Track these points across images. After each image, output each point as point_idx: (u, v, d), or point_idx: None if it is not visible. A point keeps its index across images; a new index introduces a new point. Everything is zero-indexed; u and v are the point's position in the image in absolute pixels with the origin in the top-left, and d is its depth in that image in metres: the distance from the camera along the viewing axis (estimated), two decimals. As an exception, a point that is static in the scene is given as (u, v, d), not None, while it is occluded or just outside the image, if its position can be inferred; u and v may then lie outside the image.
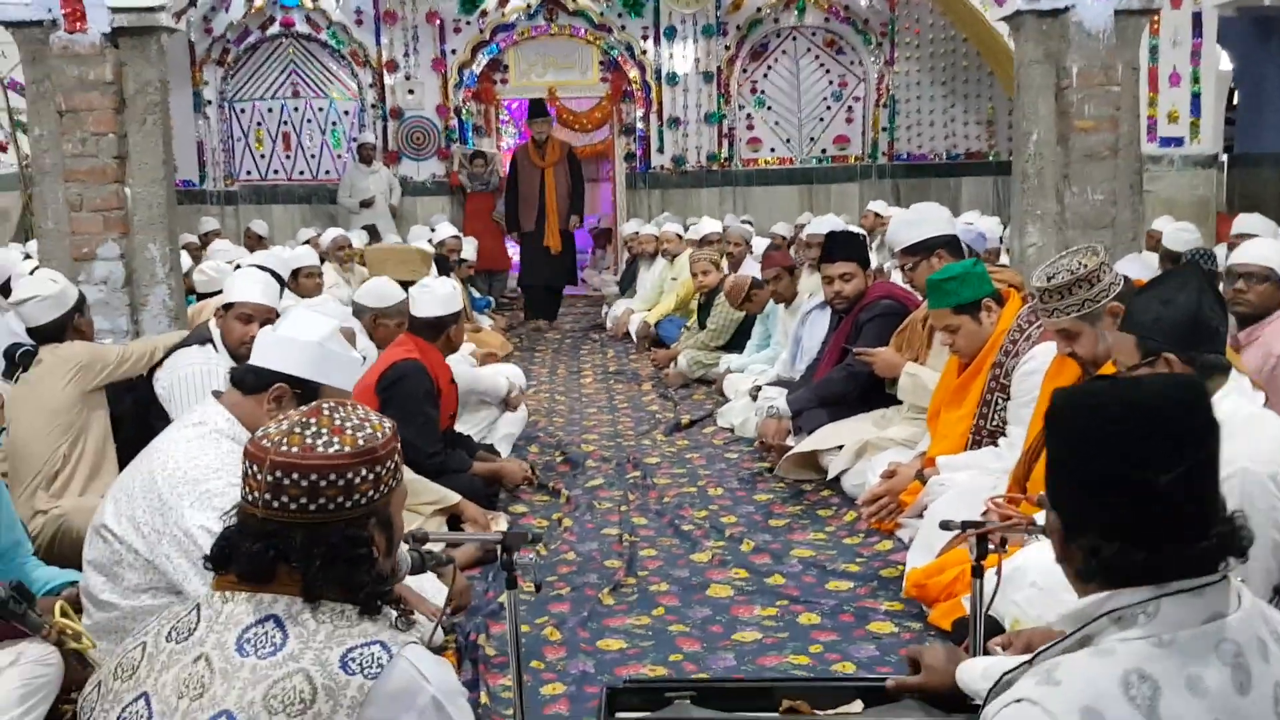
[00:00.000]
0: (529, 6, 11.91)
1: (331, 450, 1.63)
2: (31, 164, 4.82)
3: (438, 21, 11.83)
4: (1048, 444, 1.56)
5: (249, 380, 2.67)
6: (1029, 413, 3.52)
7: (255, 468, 1.63)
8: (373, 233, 10.33)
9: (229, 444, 2.61)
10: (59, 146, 4.62)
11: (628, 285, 10.52)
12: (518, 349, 8.78)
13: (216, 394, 2.77)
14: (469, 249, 9.61)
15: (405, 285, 5.54)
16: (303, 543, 1.61)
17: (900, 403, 4.64)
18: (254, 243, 10.40)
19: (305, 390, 2.62)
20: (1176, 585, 1.40)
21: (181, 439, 2.66)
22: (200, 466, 2.56)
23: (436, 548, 2.52)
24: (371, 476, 1.66)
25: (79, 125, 4.58)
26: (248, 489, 1.65)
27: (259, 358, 2.68)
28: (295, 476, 1.61)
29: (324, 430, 1.66)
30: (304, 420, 1.68)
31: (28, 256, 6.24)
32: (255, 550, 1.61)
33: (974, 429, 3.84)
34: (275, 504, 1.61)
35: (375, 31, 11.81)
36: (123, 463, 3.91)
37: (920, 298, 4.69)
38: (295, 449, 1.63)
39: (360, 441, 1.66)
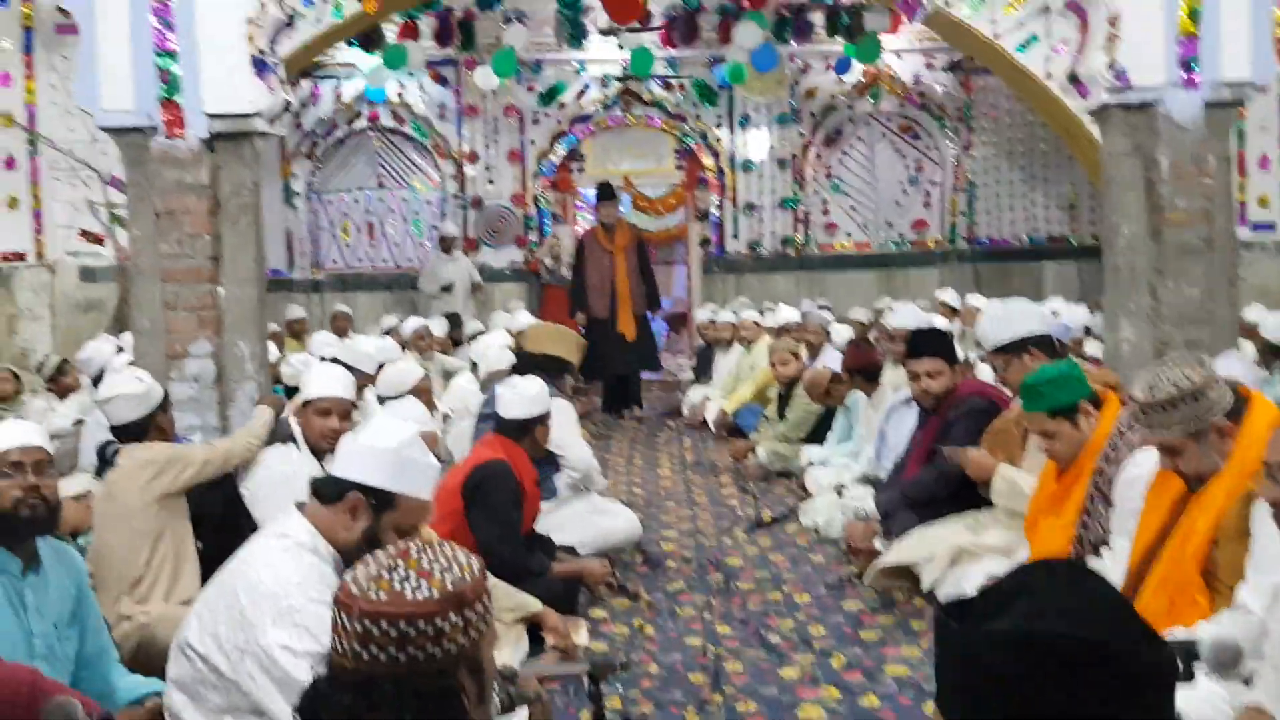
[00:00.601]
0: (606, 98, 12.14)
1: (420, 596, 1.59)
2: (130, 260, 4.94)
3: (517, 114, 12.08)
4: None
5: (328, 491, 2.65)
6: (1134, 524, 3.37)
7: (344, 616, 1.60)
8: (454, 320, 10.42)
9: (311, 557, 2.59)
10: (156, 247, 4.73)
11: (703, 371, 10.45)
12: (593, 436, 8.75)
13: (300, 505, 2.76)
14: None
15: (554, 361, 5.61)
16: (392, 694, 1.56)
17: (993, 503, 4.50)
18: (343, 323, 10.59)
19: (380, 500, 2.59)
20: None
21: (264, 552, 2.64)
22: (282, 581, 2.53)
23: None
24: (461, 622, 1.61)
25: (176, 227, 4.69)
26: (337, 638, 1.61)
27: (338, 467, 2.67)
28: (384, 625, 1.57)
29: (411, 574, 1.62)
30: (391, 563, 1.64)
31: (120, 350, 6.39)
32: (346, 703, 1.56)
33: (1076, 539, 3.68)
34: (365, 654, 1.57)
35: (457, 124, 12.09)
36: (207, 566, 3.93)
37: (1012, 396, 4.57)
38: (383, 595, 1.59)
39: (449, 585, 1.62)
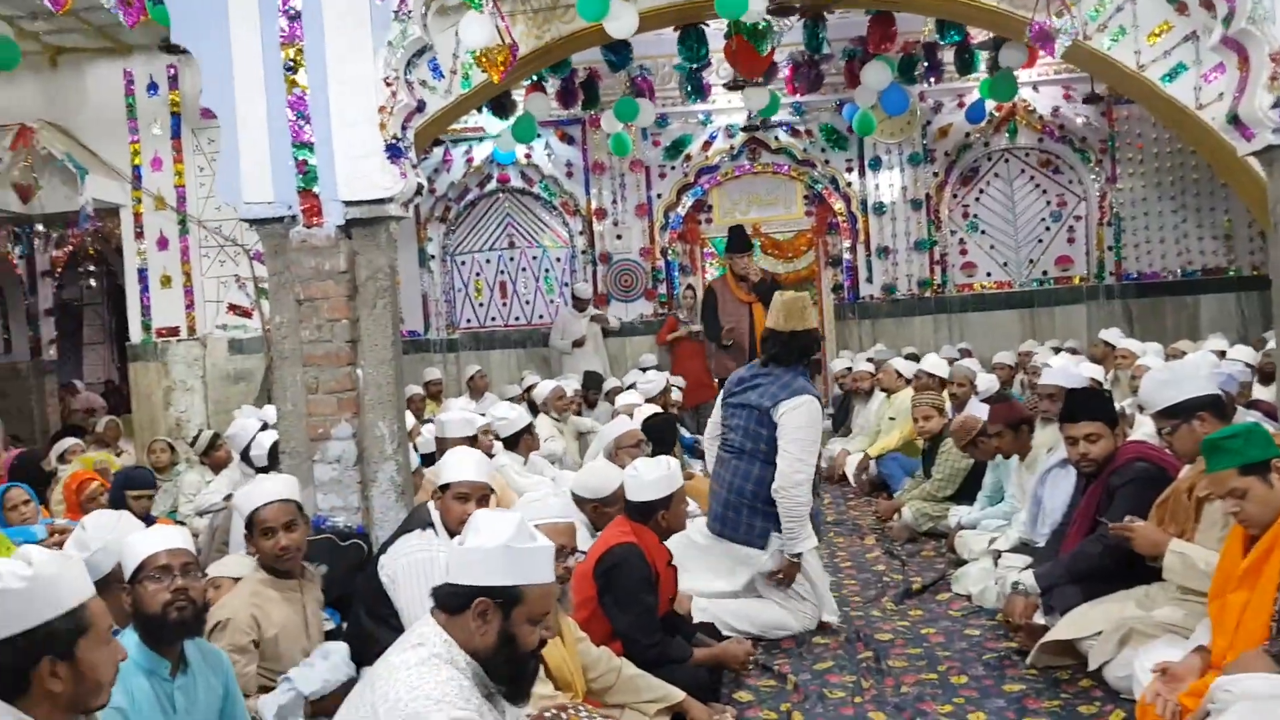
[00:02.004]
0: (732, 148, 12.09)
1: None
2: (274, 343, 5.04)
3: (643, 169, 12.12)
4: None
5: (450, 601, 2.59)
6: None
7: None
8: (591, 379, 10.41)
9: (449, 670, 2.52)
10: (298, 332, 4.81)
11: (840, 423, 10.21)
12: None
13: (433, 610, 2.70)
14: (674, 391, 9.55)
15: (814, 333, 5.24)
16: None
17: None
18: (480, 382, 10.72)
19: (506, 597, 2.53)
20: None
21: (401, 665, 2.58)
22: (420, 698, 2.47)
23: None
24: None
25: (315, 313, 4.76)
26: None
27: (454, 575, 2.61)
28: None
29: None
30: None
31: (265, 425, 6.53)
32: None
33: (1275, 617, 3.35)
34: None
35: (585, 182, 12.19)
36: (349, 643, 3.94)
37: (1179, 461, 4.28)
38: None
39: None
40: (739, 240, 9.48)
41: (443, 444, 5.47)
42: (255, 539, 3.76)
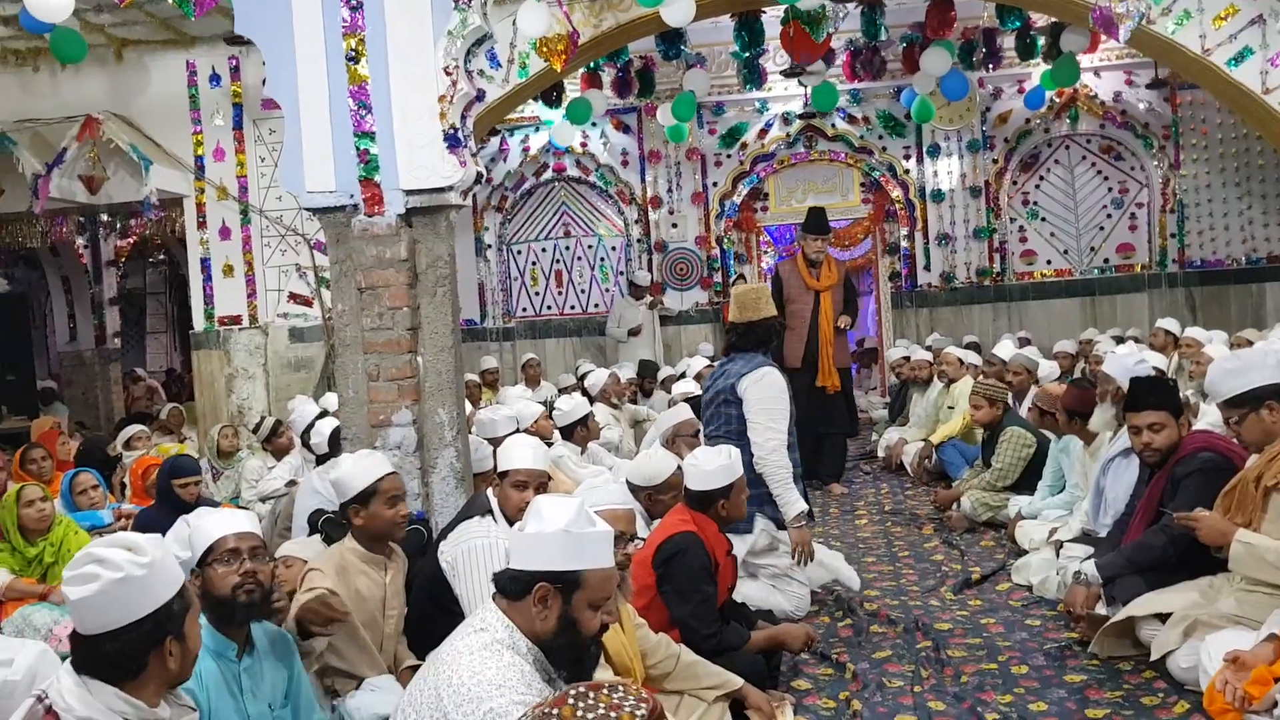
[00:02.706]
0: (788, 136, 12.03)
1: None
2: (335, 331, 5.11)
3: (699, 157, 12.10)
4: None
5: (511, 587, 2.62)
6: None
7: None
8: (647, 367, 10.44)
9: (510, 655, 2.55)
10: (359, 320, 4.87)
11: (897, 412, 10.14)
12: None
13: (494, 596, 2.73)
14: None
15: (776, 321, 5.56)
16: None
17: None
18: (534, 371, 10.79)
19: (566, 582, 2.56)
20: None
21: (465, 650, 2.61)
22: (483, 683, 2.49)
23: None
24: None
25: (376, 301, 4.82)
26: None
27: (515, 560, 2.64)
28: None
29: None
30: (545, 713, 1.58)
31: (324, 413, 6.61)
32: None
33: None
34: None
35: (640, 170, 12.20)
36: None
37: (1246, 450, 4.20)
38: None
39: None
40: (816, 221, 8.62)
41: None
42: (375, 507, 3.83)
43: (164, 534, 3.69)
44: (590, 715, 1.60)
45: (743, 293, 5.77)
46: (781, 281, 8.53)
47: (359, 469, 3.92)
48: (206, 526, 3.09)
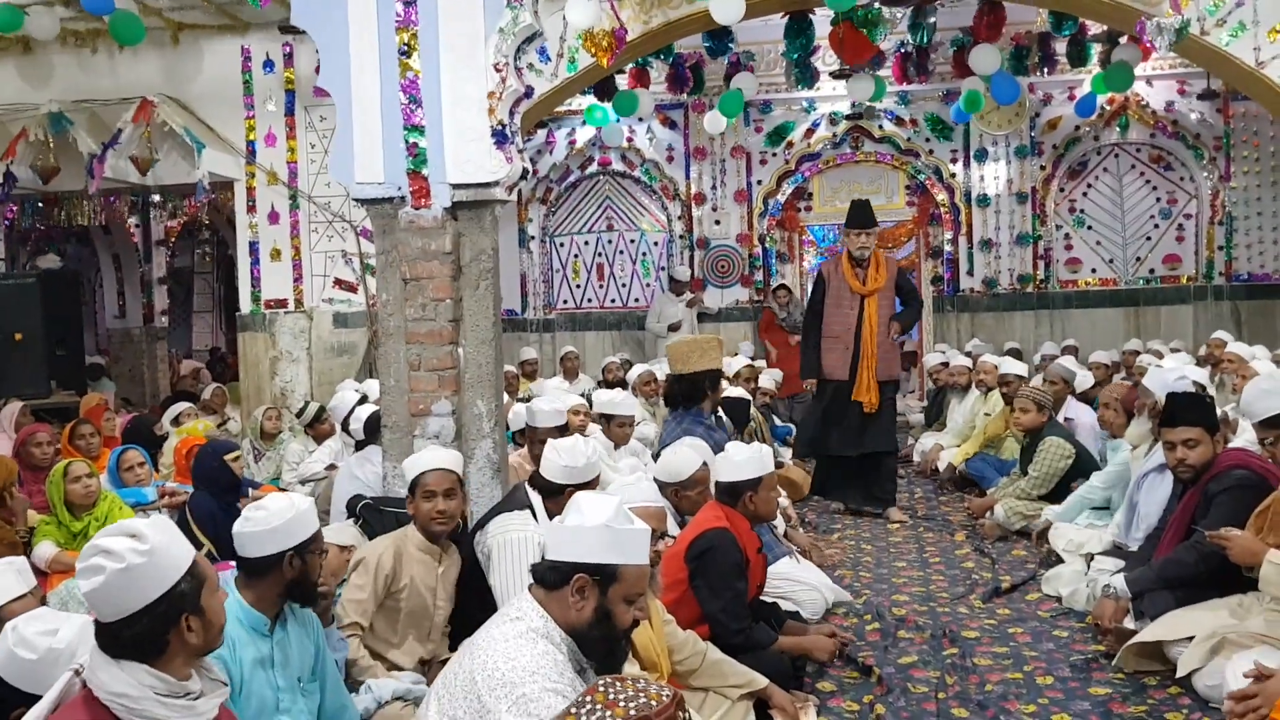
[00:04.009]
0: (834, 136, 12.02)
1: None
2: (378, 320, 5.20)
3: (744, 155, 12.12)
4: None
5: (550, 577, 2.69)
6: None
7: None
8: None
9: (544, 644, 2.62)
10: (403, 310, 4.95)
11: (934, 417, 10.11)
12: (822, 485, 8.58)
13: (531, 586, 2.80)
14: (766, 379, 9.51)
15: (709, 376, 5.56)
16: None
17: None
18: (572, 363, 10.88)
19: (604, 575, 2.63)
20: None
21: (500, 637, 2.68)
22: (518, 669, 2.57)
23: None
24: None
25: (420, 292, 4.90)
26: None
27: (554, 551, 2.70)
28: None
29: (598, 706, 1.65)
30: (580, 699, 1.66)
31: (364, 399, 6.71)
32: None
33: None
34: None
35: (685, 167, 12.24)
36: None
37: (1283, 471, 4.19)
38: None
39: (632, 711, 1.63)
40: (860, 214, 7.44)
41: (534, 432, 5.64)
42: (415, 500, 4.00)
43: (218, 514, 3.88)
44: (621, 696, 1.69)
45: (671, 348, 5.86)
46: (824, 283, 7.53)
47: (416, 461, 4.08)
48: (308, 516, 3.17)
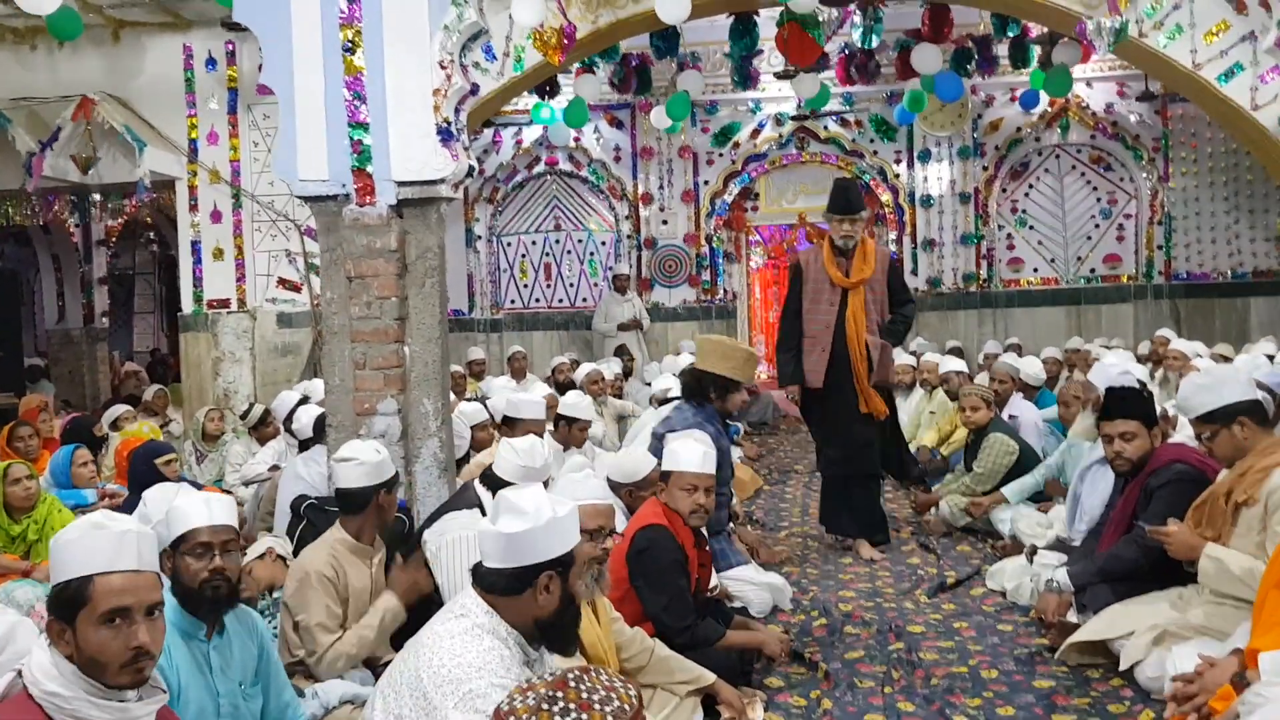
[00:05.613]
0: (780, 137, 12.10)
1: None
2: (322, 319, 5.15)
3: (691, 155, 12.16)
4: None
5: (512, 585, 2.66)
6: None
7: None
8: (623, 351, 10.53)
9: (490, 640, 2.62)
10: (347, 309, 4.90)
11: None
12: (767, 483, 8.64)
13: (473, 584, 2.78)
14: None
15: (716, 380, 5.48)
16: None
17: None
18: (520, 363, 10.83)
19: (564, 563, 2.68)
20: None
21: (446, 634, 2.67)
22: (463, 665, 2.56)
23: None
24: None
25: (365, 290, 4.86)
26: None
27: (512, 559, 2.65)
28: None
29: (571, 706, 1.64)
30: (550, 694, 1.65)
31: (306, 399, 6.64)
32: None
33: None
34: None
35: (632, 167, 12.26)
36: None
37: (1218, 465, 4.26)
38: None
39: (609, 717, 1.63)
40: (844, 198, 6.30)
41: (515, 423, 5.70)
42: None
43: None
44: (595, 697, 1.68)
45: (704, 341, 5.71)
46: (801, 274, 6.42)
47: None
48: (185, 511, 3.10)
